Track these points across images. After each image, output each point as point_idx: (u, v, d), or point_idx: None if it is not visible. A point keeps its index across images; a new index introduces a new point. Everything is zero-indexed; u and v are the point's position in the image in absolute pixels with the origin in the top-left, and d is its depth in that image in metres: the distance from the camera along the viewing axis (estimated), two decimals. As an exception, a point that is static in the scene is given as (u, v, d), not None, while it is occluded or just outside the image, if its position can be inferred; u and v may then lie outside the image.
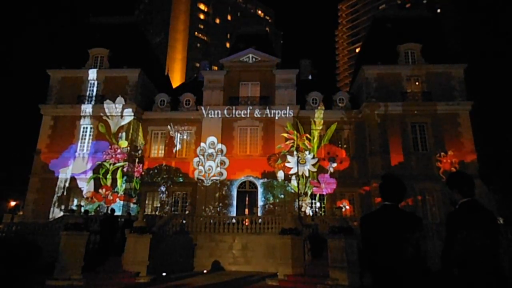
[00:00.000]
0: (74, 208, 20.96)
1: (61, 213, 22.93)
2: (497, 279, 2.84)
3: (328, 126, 25.59)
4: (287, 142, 24.82)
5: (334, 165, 24.61)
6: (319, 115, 25.64)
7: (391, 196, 3.08)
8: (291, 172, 24.36)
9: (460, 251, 2.92)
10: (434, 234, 15.57)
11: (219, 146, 25.17)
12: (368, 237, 3.03)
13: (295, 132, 24.98)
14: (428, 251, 2.91)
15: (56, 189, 24.32)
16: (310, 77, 32.05)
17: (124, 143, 24.80)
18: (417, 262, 2.81)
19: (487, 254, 2.88)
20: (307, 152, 24.93)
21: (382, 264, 2.86)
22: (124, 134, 25.09)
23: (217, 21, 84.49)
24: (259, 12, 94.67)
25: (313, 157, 24.87)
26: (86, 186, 24.20)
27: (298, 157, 24.51)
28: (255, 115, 25.65)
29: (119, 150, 24.60)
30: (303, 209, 23.73)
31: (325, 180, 24.42)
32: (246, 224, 17.64)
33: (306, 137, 25.28)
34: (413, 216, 3.03)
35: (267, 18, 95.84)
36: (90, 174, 24.46)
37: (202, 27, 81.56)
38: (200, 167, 24.95)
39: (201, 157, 25.10)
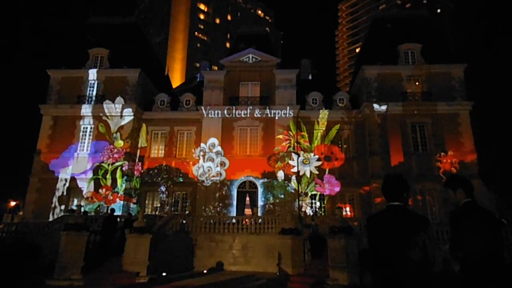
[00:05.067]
0: (74, 208, 20.92)
1: (61, 213, 22.93)
2: (500, 277, 2.87)
3: (327, 126, 25.58)
4: (284, 144, 24.79)
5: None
6: (323, 115, 25.57)
7: (392, 195, 3.04)
8: (293, 171, 24.34)
9: (465, 250, 2.95)
10: (436, 235, 15.58)
11: (219, 148, 25.13)
12: (374, 238, 2.99)
13: (290, 133, 24.92)
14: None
15: (56, 189, 24.31)
16: (310, 77, 32.05)
17: (119, 143, 24.76)
18: (423, 264, 2.75)
19: (490, 252, 2.91)
20: (312, 154, 24.88)
21: (387, 265, 2.82)
22: (119, 134, 25.07)
23: (217, 21, 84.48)
24: (259, 12, 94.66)
25: (318, 159, 24.79)
26: (86, 186, 24.19)
27: (299, 156, 24.51)
28: (255, 115, 25.64)
29: (115, 150, 24.58)
30: (303, 209, 23.72)
31: (329, 181, 24.36)
32: (246, 224, 17.64)
33: (302, 135, 25.21)
34: (420, 216, 2.97)
35: (267, 18, 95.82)
36: (90, 174, 24.44)
37: (202, 27, 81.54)
38: (200, 168, 24.94)
39: (201, 158, 25.08)
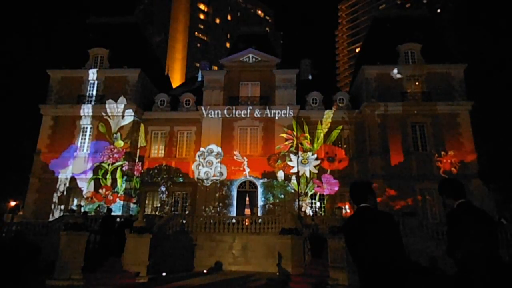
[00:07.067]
0: (74, 208, 20.94)
1: (61, 213, 22.93)
2: (498, 273, 2.89)
3: (328, 126, 25.61)
4: (286, 143, 24.82)
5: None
6: (328, 116, 25.60)
7: (358, 199, 3.30)
8: (292, 171, 24.36)
9: (462, 251, 2.98)
10: (434, 234, 15.59)
11: (219, 149, 25.10)
12: (348, 239, 3.19)
13: (293, 132, 24.98)
14: (425, 250, 2.99)
15: (56, 189, 24.31)
16: (310, 77, 32.04)
17: (119, 143, 24.77)
18: (394, 257, 2.93)
19: (486, 252, 2.94)
20: (310, 153, 24.93)
21: (365, 264, 2.98)
22: (119, 134, 25.09)
23: (217, 21, 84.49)
24: (259, 12, 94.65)
25: (316, 159, 24.84)
26: (86, 186, 24.18)
27: (299, 157, 24.54)
28: (255, 115, 25.64)
29: (115, 150, 24.59)
30: (303, 209, 23.73)
31: (327, 181, 24.40)
32: (246, 224, 17.64)
33: (304, 137, 25.27)
34: (385, 213, 3.23)
35: (267, 18, 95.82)
36: (90, 174, 24.45)
37: (202, 27, 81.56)
38: (200, 168, 24.94)
39: (202, 161, 25.07)
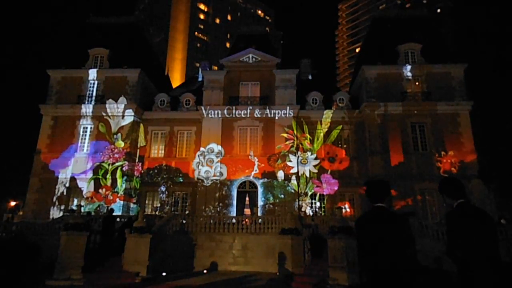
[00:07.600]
0: (74, 208, 20.92)
1: (61, 213, 22.94)
2: (498, 273, 2.90)
3: (328, 126, 25.64)
4: (287, 142, 24.84)
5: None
6: (327, 116, 25.63)
7: (375, 198, 3.28)
8: (292, 171, 24.38)
9: (462, 251, 2.98)
10: (434, 234, 15.59)
11: (219, 148, 25.12)
12: (361, 237, 3.18)
13: (295, 132, 25.02)
14: (424, 250, 3.04)
15: (56, 189, 24.31)
16: (310, 77, 32.05)
17: (120, 144, 24.78)
18: (405, 259, 2.95)
19: (488, 249, 2.94)
20: (309, 153, 24.95)
21: (375, 264, 2.98)
22: (120, 134, 25.09)
23: (217, 21, 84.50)
24: (259, 12, 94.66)
25: (316, 158, 24.88)
26: (86, 186, 24.19)
27: (299, 157, 24.56)
28: (255, 115, 25.64)
29: (116, 150, 24.60)
30: (303, 209, 23.73)
31: (327, 181, 24.42)
32: (246, 224, 17.64)
33: (305, 137, 25.29)
34: (400, 216, 3.22)
35: (267, 18, 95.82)
36: (90, 174, 24.45)
37: (202, 27, 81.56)
38: (200, 167, 24.96)
39: (202, 160, 25.07)
